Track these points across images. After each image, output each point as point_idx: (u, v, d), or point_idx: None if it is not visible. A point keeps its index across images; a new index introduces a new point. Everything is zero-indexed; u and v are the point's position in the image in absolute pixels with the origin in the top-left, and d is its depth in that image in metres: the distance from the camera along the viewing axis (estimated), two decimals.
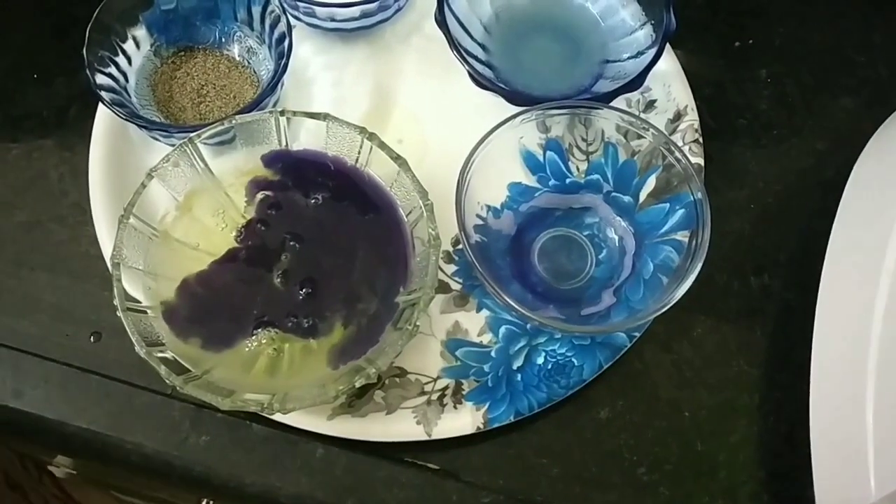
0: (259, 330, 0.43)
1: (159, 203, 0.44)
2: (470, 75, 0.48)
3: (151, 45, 0.51)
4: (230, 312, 0.44)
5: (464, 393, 0.45)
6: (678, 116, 0.51)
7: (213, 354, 0.42)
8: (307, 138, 0.46)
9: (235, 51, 0.52)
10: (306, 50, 0.54)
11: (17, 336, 0.47)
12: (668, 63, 0.52)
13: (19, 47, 0.56)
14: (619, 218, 0.48)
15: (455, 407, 0.44)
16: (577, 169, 0.49)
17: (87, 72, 0.47)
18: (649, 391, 0.47)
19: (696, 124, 0.51)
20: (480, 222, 0.47)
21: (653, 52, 0.47)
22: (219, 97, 0.51)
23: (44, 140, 0.53)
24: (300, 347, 0.43)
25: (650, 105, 0.52)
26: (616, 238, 0.48)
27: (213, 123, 0.44)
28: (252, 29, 0.52)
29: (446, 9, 0.49)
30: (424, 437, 0.43)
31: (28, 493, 0.58)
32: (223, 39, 0.53)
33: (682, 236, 0.45)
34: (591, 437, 0.46)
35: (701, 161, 0.50)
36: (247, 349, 0.43)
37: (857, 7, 0.58)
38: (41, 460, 0.59)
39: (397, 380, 0.45)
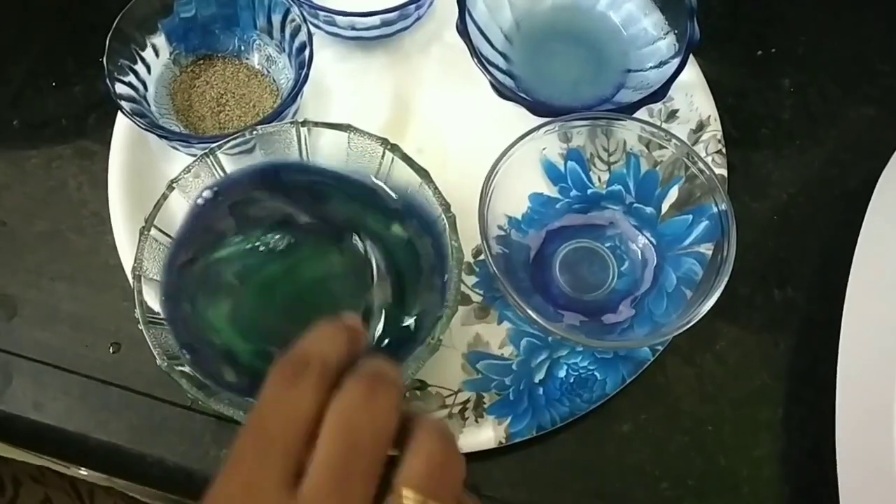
0: None
1: (179, 213, 0.44)
2: (492, 85, 0.48)
3: (170, 54, 0.51)
4: None
5: (485, 406, 0.45)
6: (701, 127, 0.51)
7: None
8: (328, 149, 0.46)
9: (255, 59, 0.52)
10: (325, 58, 0.53)
11: (38, 347, 0.47)
12: (691, 73, 0.51)
13: (38, 54, 0.56)
14: (639, 233, 0.48)
15: (477, 421, 0.44)
16: (599, 179, 0.49)
17: (108, 82, 0.46)
18: (672, 405, 0.46)
19: (720, 135, 0.50)
20: (502, 233, 0.47)
21: (676, 62, 0.47)
22: (238, 106, 0.51)
23: (63, 148, 0.52)
24: None
25: (672, 115, 0.51)
26: (638, 250, 0.48)
27: (234, 134, 0.44)
28: (272, 37, 0.51)
29: (468, 18, 0.49)
30: None
31: None
32: (242, 48, 0.52)
33: (706, 249, 0.44)
34: (613, 451, 0.45)
35: (724, 172, 0.49)
36: None
37: (881, 16, 0.57)
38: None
39: (418, 392, 0.45)
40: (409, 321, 0.43)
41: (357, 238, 0.44)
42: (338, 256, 0.44)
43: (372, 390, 0.28)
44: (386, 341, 0.42)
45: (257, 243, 0.44)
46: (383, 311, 0.43)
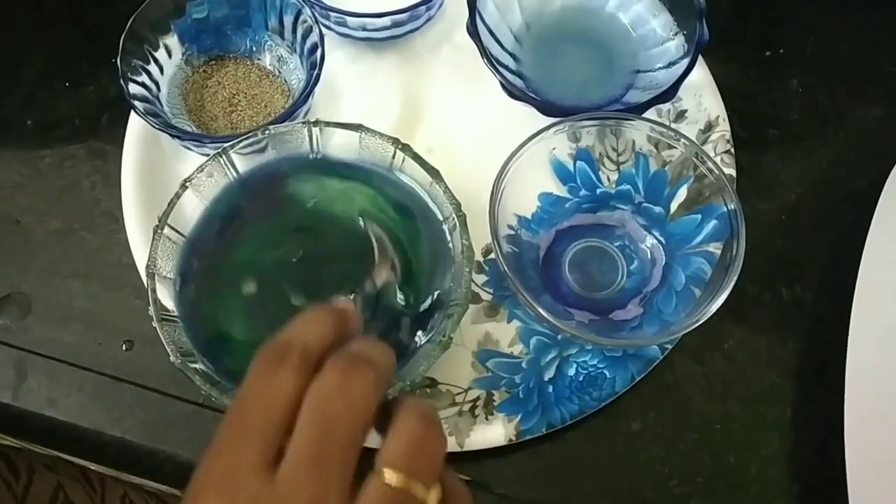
0: None
1: (191, 212, 0.45)
2: (502, 85, 0.48)
3: (183, 54, 0.52)
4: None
5: (495, 404, 0.45)
6: (709, 127, 0.51)
7: None
8: (339, 148, 0.46)
9: (266, 60, 0.53)
10: (336, 59, 0.53)
11: (52, 345, 0.48)
12: (699, 73, 0.51)
13: (51, 55, 0.56)
14: (648, 232, 0.48)
15: (487, 418, 0.44)
16: (608, 179, 0.49)
17: (122, 82, 0.47)
18: (681, 403, 0.46)
19: (728, 135, 0.50)
20: (512, 232, 0.47)
21: (685, 62, 0.47)
22: (250, 106, 0.51)
23: (76, 148, 0.53)
24: None
25: (681, 115, 0.52)
26: (647, 249, 0.48)
27: (246, 134, 0.44)
28: (283, 38, 0.52)
29: (478, 19, 0.49)
30: (456, 449, 0.43)
31: None
32: (254, 48, 0.53)
33: (715, 248, 0.45)
34: (622, 449, 0.46)
35: (733, 172, 0.50)
36: None
37: (889, 17, 0.57)
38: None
39: (428, 390, 0.45)
40: (426, 302, 0.43)
41: (360, 220, 0.44)
42: (343, 240, 0.44)
43: (348, 374, 0.28)
44: (404, 322, 0.43)
45: (265, 237, 0.44)
46: (393, 291, 0.43)
